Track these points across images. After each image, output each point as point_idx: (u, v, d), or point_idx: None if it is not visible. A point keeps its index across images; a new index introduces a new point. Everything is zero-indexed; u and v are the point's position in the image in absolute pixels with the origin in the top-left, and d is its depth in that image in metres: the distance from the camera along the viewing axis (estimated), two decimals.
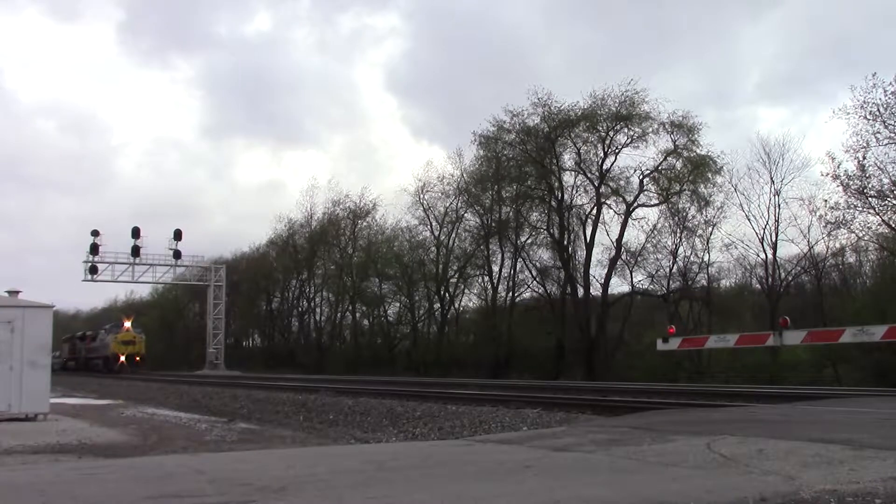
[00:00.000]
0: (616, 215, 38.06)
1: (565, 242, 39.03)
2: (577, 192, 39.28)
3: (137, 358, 54.37)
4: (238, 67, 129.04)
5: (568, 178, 39.38)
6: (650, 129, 36.80)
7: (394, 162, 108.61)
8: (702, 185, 35.91)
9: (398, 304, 51.30)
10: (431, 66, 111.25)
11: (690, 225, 36.18)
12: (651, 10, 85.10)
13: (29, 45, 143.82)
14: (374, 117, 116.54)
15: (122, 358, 53.53)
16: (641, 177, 37.37)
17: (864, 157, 26.41)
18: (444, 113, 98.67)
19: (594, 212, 38.27)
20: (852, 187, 26.98)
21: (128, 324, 56.68)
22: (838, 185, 27.36)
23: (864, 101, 26.27)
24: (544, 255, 41.51)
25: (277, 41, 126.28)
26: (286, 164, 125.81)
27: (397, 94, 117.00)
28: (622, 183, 38.02)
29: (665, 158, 36.91)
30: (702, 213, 35.97)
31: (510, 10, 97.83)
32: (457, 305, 47.33)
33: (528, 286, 42.39)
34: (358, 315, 54.75)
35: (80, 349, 65.73)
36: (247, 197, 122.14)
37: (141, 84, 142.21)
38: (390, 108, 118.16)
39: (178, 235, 53.45)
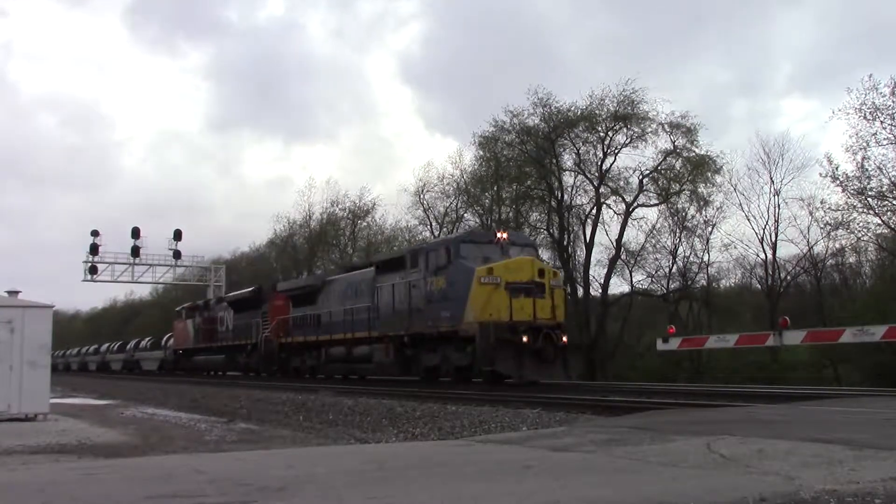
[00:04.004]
0: (616, 215, 38.14)
1: (565, 242, 39.05)
2: (576, 192, 39.34)
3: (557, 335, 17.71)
4: (248, 56, 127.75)
5: (568, 178, 39.45)
6: (649, 130, 36.87)
7: (406, 156, 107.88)
8: (701, 185, 36.01)
9: None
10: (447, 57, 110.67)
11: (690, 225, 36.27)
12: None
13: (31, 37, 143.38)
14: (386, 110, 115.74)
15: (525, 336, 17.10)
16: (641, 177, 37.43)
17: (864, 158, 26.51)
18: (459, 106, 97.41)
19: (594, 212, 38.34)
20: (851, 188, 27.07)
21: (505, 235, 19.23)
22: (837, 186, 27.47)
23: (863, 102, 26.39)
24: (544, 256, 41.50)
25: (290, 27, 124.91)
26: (295, 159, 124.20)
27: (411, 86, 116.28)
28: (622, 183, 38.09)
29: (664, 158, 36.96)
30: (701, 213, 36.07)
31: None
32: None
33: None
34: None
35: (246, 328, 30.51)
36: (254, 193, 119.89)
37: (146, 74, 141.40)
38: (404, 100, 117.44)
39: (178, 235, 53.44)
